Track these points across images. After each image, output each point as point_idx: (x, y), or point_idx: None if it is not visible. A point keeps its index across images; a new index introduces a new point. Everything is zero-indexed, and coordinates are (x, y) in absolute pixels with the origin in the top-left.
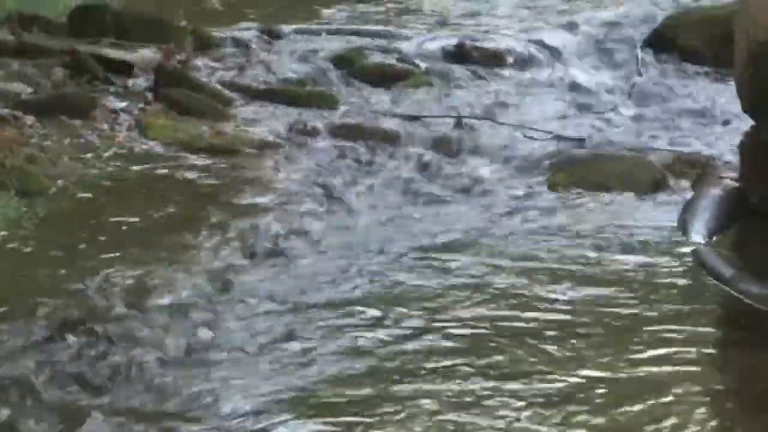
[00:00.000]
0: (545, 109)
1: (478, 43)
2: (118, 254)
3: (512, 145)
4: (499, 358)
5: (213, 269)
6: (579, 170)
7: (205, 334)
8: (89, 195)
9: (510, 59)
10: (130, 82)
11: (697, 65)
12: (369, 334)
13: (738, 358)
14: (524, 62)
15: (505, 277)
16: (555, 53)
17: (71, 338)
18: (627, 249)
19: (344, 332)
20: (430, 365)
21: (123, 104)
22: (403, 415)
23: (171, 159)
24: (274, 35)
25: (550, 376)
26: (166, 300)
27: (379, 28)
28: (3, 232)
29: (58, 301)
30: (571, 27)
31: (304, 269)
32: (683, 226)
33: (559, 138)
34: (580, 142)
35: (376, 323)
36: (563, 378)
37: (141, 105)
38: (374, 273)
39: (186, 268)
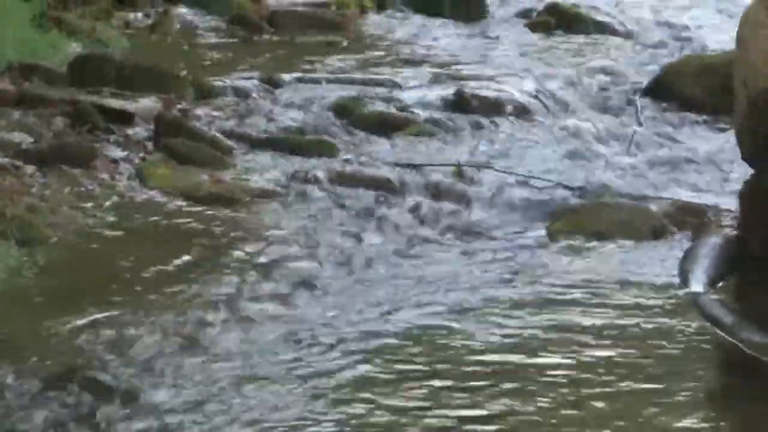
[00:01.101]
0: (545, 158)
1: (477, 92)
2: (118, 304)
3: (512, 194)
4: (503, 414)
5: (210, 322)
6: (579, 218)
7: (199, 387)
8: (89, 244)
9: (509, 108)
10: (131, 131)
11: (697, 113)
12: (363, 402)
13: (738, 407)
14: (524, 111)
15: (505, 327)
16: (554, 101)
17: (69, 388)
18: (627, 298)
19: (336, 402)
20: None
21: (123, 153)
22: None
23: (171, 208)
24: (274, 84)
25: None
26: (163, 352)
27: (379, 76)
28: (3, 281)
29: (57, 351)
30: (571, 75)
31: (295, 327)
32: (683, 274)
33: (558, 186)
34: (579, 190)
35: (370, 391)
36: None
37: (141, 154)
38: (370, 336)
39: (185, 320)
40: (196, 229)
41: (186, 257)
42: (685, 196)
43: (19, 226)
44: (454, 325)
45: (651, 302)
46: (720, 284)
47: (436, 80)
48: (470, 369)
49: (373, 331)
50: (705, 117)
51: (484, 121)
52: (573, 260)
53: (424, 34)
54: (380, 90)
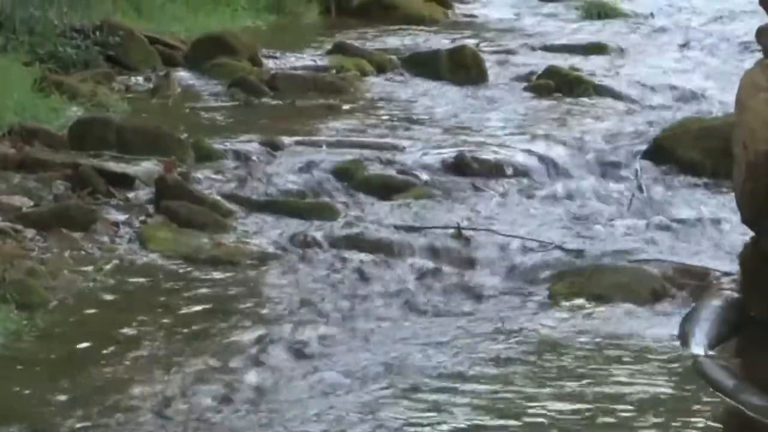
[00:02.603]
0: (545, 220)
1: (477, 155)
2: (116, 369)
3: (512, 256)
4: None
5: (210, 389)
6: (579, 281)
7: None
8: (89, 308)
9: (509, 170)
10: (131, 194)
11: (697, 176)
12: None
13: None
14: (524, 173)
15: (505, 393)
16: (554, 164)
17: None
18: (628, 361)
19: None
20: None
21: (124, 217)
22: None
23: (172, 271)
24: (275, 147)
25: None
26: (162, 419)
27: (380, 139)
28: (2, 346)
29: (56, 414)
30: (570, 138)
31: (298, 396)
32: (684, 337)
33: (559, 249)
34: (579, 253)
35: None
36: None
37: (142, 217)
38: (369, 406)
39: (185, 387)
40: (196, 292)
41: (186, 321)
42: (686, 258)
43: (18, 289)
44: (455, 386)
45: (652, 365)
46: (721, 347)
47: (436, 143)
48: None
49: (375, 395)
50: (705, 180)
51: (484, 183)
52: (573, 322)
53: (424, 97)
54: (381, 153)
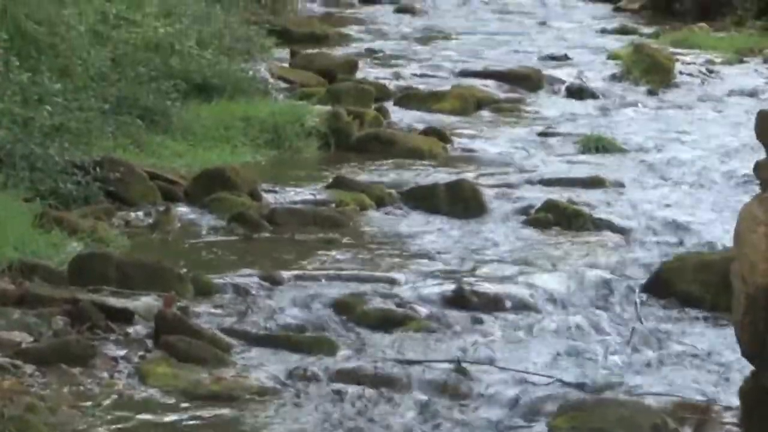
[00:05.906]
0: (545, 354)
1: (476, 288)
2: None
3: (513, 390)
4: None
5: None
6: (580, 415)
7: None
8: None
9: (509, 304)
10: (131, 329)
11: (696, 310)
12: None
13: None
14: (523, 307)
15: None
16: (554, 297)
17: None
18: None
19: None
20: None
21: (123, 352)
22: None
23: (170, 407)
24: (274, 281)
25: None
26: None
27: (379, 273)
28: None
29: None
30: (570, 271)
31: None
32: None
33: (559, 382)
34: (580, 386)
35: None
36: None
37: (141, 352)
38: None
39: None
40: (195, 428)
41: None
42: (687, 392)
43: (18, 425)
44: None
45: None
46: None
47: (435, 276)
48: None
49: None
50: (704, 313)
51: (484, 317)
52: None
53: (423, 231)
54: (380, 286)
